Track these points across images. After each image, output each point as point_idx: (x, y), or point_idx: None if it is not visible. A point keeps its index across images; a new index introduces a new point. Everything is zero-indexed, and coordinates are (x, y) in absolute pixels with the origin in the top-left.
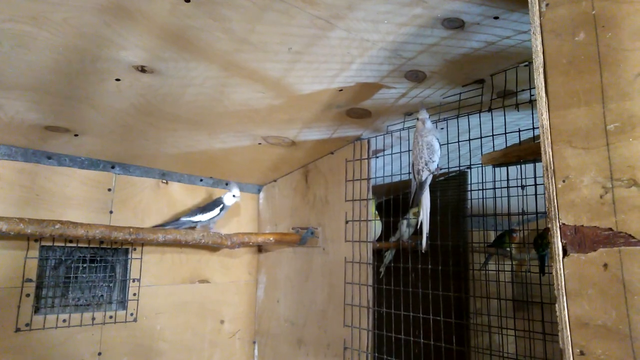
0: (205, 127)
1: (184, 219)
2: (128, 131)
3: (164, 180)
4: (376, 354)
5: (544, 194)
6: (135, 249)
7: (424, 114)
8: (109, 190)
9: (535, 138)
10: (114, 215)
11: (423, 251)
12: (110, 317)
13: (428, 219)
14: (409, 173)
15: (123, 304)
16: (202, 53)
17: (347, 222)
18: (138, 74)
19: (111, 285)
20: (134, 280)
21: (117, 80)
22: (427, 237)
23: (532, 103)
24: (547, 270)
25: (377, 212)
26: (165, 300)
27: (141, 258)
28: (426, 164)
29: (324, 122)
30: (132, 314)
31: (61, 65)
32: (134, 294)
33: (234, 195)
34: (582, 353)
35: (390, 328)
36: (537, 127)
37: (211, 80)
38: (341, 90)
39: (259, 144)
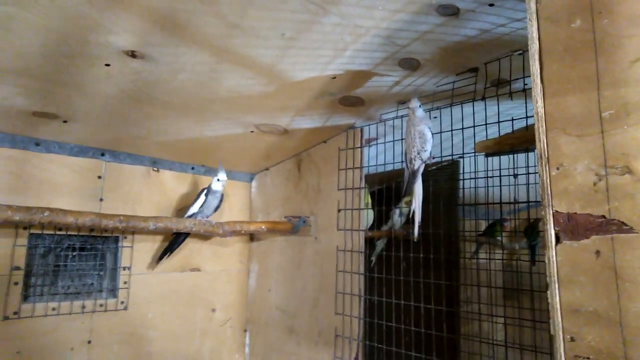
0: (196, 114)
1: (185, 217)
2: (118, 118)
3: (155, 168)
4: (367, 342)
5: (538, 181)
6: (126, 237)
7: (415, 103)
8: (99, 177)
9: (528, 127)
10: (104, 203)
11: (415, 240)
12: (101, 305)
13: (420, 208)
14: (402, 162)
15: (114, 292)
16: (191, 38)
17: (339, 210)
18: (128, 59)
19: (101, 273)
20: (124, 269)
21: (107, 65)
22: (419, 226)
23: (525, 92)
24: (538, 259)
25: (369, 201)
26: (156, 288)
27: (132, 246)
28: (418, 153)
29: (316, 110)
30: (122, 302)
31: (48, 49)
32: (125, 282)
33: (218, 179)
34: (572, 339)
35: (381, 316)
36: (530, 116)
37: (201, 66)
38: (334, 77)
39: (251, 131)
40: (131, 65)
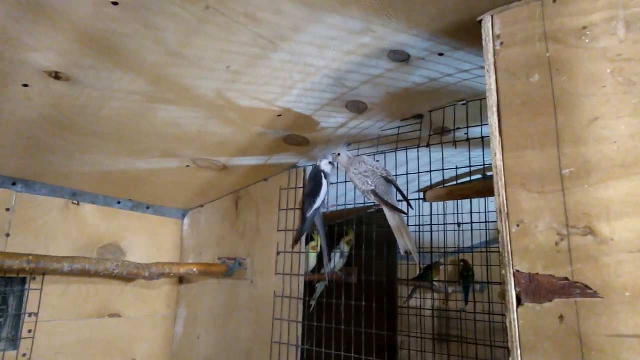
0: (127, 145)
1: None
2: (35, 145)
3: (75, 201)
4: None
5: (480, 228)
6: (34, 279)
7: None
8: (7, 210)
9: (472, 174)
10: (12, 240)
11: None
12: None
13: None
14: (344, 205)
15: (15, 342)
16: (128, 63)
17: (278, 253)
18: (51, 80)
19: (0, 320)
20: (30, 315)
21: (25, 85)
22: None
23: (469, 142)
24: (471, 299)
25: (319, 244)
26: (68, 337)
27: (41, 289)
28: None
29: (259, 147)
30: (24, 355)
31: None
32: (30, 331)
33: (330, 162)
34: None
35: None
36: (474, 166)
37: (137, 95)
38: (280, 115)
39: (187, 166)
40: (54, 87)
